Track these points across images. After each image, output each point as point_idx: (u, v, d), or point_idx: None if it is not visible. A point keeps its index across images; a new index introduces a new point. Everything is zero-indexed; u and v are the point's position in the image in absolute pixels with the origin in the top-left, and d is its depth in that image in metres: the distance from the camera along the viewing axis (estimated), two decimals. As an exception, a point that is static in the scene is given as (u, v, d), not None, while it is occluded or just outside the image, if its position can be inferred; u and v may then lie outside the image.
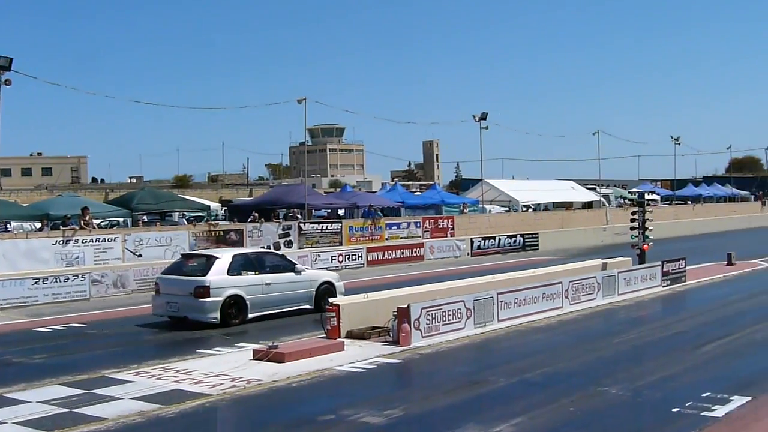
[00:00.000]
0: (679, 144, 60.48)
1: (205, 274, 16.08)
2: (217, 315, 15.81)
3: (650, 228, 23.73)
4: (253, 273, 16.68)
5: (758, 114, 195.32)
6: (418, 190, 70.42)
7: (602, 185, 57.59)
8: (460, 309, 14.87)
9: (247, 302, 16.33)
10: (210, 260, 16.42)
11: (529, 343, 14.28)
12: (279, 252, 19.30)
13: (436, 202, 42.22)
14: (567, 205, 49.75)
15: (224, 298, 15.99)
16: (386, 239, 32.51)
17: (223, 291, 16.04)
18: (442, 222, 37.50)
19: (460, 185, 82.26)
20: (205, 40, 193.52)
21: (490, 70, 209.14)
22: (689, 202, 64.62)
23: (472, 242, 35.36)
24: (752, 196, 74.83)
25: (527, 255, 36.05)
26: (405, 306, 13.92)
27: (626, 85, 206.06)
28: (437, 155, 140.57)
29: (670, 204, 63.74)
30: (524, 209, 46.66)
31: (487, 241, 36.07)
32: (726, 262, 27.30)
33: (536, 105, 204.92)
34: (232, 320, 16.03)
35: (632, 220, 23.98)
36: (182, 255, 18.60)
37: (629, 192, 31.15)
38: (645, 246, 23.68)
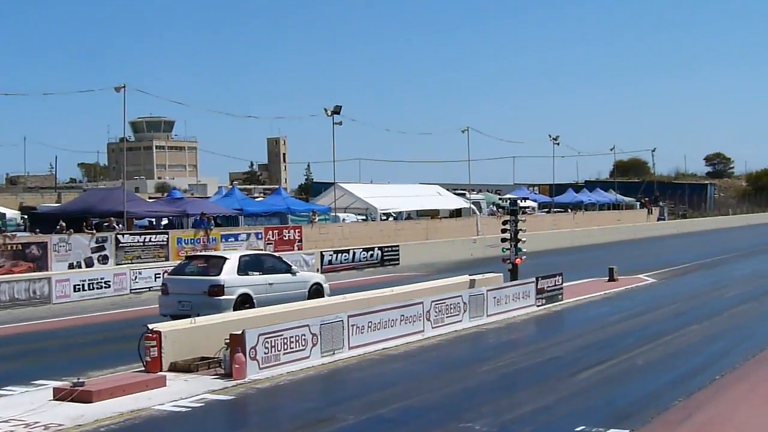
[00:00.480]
0: (558, 144, 63.57)
1: (218, 274, 19.54)
2: (231, 312, 17.98)
3: (523, 239, 24.59)
4: (258, 273, 20.33)
5: (644, 113, 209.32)
6: (261, 195, 69.99)
7: (473, 190, 59.30)
8: (304, 335, 14.76)
9: (254, 301, 19.57)
10: (221, 260, 20.14)
11: (384, 374, 14.37)
12: (276, 254, 22.25)
13: (281, 210, 42.07)
14: (432, 214, 50.94)
15: (236, 296, 19.37)
16: (221, 253, 32.51)
17: (235, 290, 19.51)
18: (288, 233, 37.37)
19: (311, 190, 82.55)
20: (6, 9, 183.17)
21: (345, 58, 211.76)
22: (570, 209, 68.02)
23: (322, 256, 35.50)
24: (638, 202, 79.87)
25: (386, 271, 36.52)
26: (239, 332, 13.72)
27: (501, 80, 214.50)
28: (284, 155, 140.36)
29: (548, 212, 66.83)
30: (383, 218, 47.32)
31: (339, 255, 36.28)
32: (607, 278, 28.80)
33: (398, 99, 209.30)
34: None
35: (503, 231, 24.77)
36: (187, 257, 22.73)
37: (500, 198, 32.23)
38: (517, 260, 24.51)
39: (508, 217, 24.78)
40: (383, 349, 16.30)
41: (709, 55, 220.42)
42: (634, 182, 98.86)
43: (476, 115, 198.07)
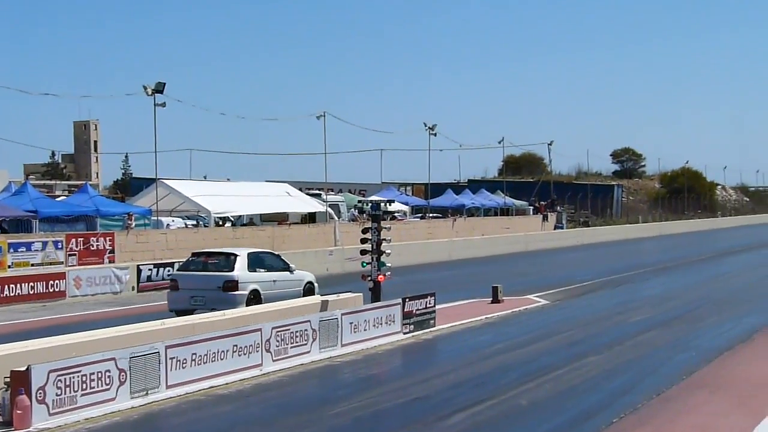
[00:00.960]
0: (435, 135, 64.59)
1: (231, 270, 25.17)
2: (245, 307, 23.49)
3: (387, 252, 24.82)
4: (264, 270, 26.07)
5: (539, 100, 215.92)
6: (65, 193, 68.17)
7: (330, 190, 59.51)
8: (109, 371, 14.47)
9: (262, 297, 24.98)
10: (232, 257, 25.67)
11: (209, 419, 14.27)
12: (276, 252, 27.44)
13: (88, 212, 41.16)
14: (280, 218, 50.85)
15: (248, 292, 24.98)
16: (9, 267, 32.33)
17: (247, 285, 25.12)
18: (96, 241, 36.58)
19: (130, 187, 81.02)
20: None
21: (169, 25, 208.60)
22: (449, 214, 69.29)
23: (139, 271, 35.05)
24: (531, 207, 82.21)
25: (222, 290, 36.37)
26: (23, 369, 13.36)
27: (367, 59, 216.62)
28: (95, 143, 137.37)
29: (422, 217, 67.88)
30: (219, 223, 46.88)
31: (161, 269, 35.78)
32: (491, 299, 29.44)
33: (238, 78, 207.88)
34: None
35: (363, 241, 24.96)
36: (193, 253, 27.72)
37: (360, 201, 32.45)
38: (380, 277, 24.73)
39: (370, 224, 24.95)
40: (211, 387, 16.16)
41: (612, 34, 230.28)
42: (526, 182, 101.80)
43: (336, 100, 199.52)
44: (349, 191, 70.53)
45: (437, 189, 79.00)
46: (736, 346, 20.98)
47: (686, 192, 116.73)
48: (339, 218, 52.71)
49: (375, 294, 24.63)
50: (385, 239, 25.06)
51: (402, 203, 66.84)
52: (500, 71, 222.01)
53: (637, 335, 22.93)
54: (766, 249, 61.53)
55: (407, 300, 23.02)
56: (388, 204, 26.71)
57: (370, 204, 25.84)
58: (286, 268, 27.25)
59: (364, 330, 21.22)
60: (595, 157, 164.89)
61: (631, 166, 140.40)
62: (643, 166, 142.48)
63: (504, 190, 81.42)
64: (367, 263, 25.05)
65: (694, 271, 44.11)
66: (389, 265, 25.54)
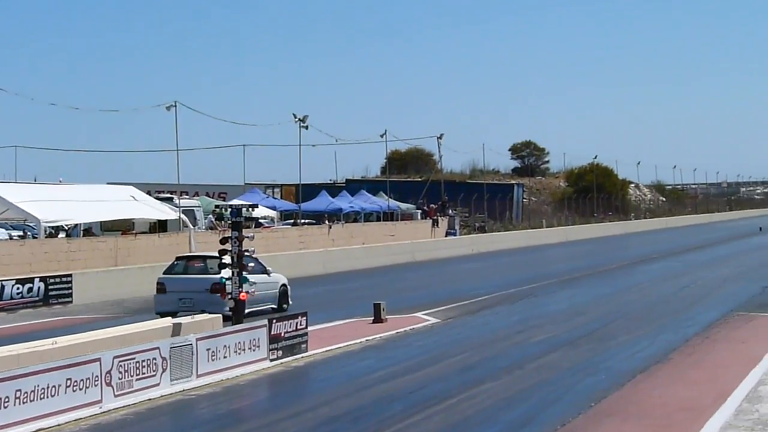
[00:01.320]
0: (307, 128, 64.52)
1: (218, 272, 28.35)
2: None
3: (250, 265, 24.73)
4: (246, 273, 26.81)
5: (427, 88, 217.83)
6: None
7: (185, 194, 58.93)
8: None
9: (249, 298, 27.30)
10: (218, 260, 28.31)
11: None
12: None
13: None
14: (125, 227, 50.13)
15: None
16: None
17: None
18: None
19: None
20: None
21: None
22: (326, 220, 69.31)
23: (-48, 292, 34.06)
24: (419, 210, 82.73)
25: (53, 312, 35.84)
26: None
27: (223, 38, 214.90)
28: None
29: (293, 224, 67.73)
30: (51, 233, 45.97)
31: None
32: (372, 318, 29.55)
33: (70, 61, 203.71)
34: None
35: (222, 253, 24.79)
36: (179, 257, 33.02)
37: (218, 206, 32.27)
38: (242, 295, 24.60)
39: (230, 233, 24.81)
40: (39, 430, 15.86)
41: (508, 12, 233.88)
42: (414, 182, 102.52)
43: (190, 89, 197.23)
44: (207, 194, 69.96)
45: (310, 191, 78.86)
46: (651, 367, 21.49)
47: (595, 191, 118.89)
48: (194, 226, 52.15)
49: (236, 315, 24.47)
50: (247, 251, 24.93)
51: (269, 208, 66.61)
52: (381, 55, 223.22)
53: (539, 357, 23.30)
54: (685, 256, 63.18)
55: (274, 321, 22.94)
56: (251, 209, 26.50)
57: (230, 209, 25.66)
58: (264, 270, 31.86)
59: (224, 357, 21.06)
60: (492, 153, 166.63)
61: (533, 163, 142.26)
62: (547, 162, 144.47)
63: (388, 191, 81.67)
64: (227, 279, 24.86)
65: (604, 281, 45.02)
66: (253, 281, 25.37)
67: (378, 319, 29.40)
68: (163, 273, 32.48)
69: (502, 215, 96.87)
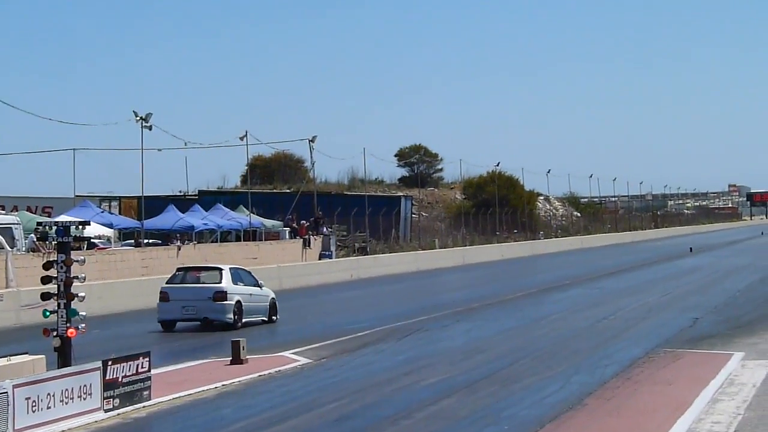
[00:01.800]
0: (150, 128, 64.00)
1: (219, 282, 38.89)
2: (232, 316, 38.29)
3: (81, 295, 24.39)
4: (242, 284, 39.65)
5: (299, 86, 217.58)
6: None
7: (2, 208, 58.13)
8: None
9: (244, 308, 38.98)
10: (218, 271, 40.06)
11: None
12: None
13: None
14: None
15: (234, 302, 38.58)
16: None
17: (233, 296, 38.70)
18: None
19: None
20: None
21: None
22: (175, 240, 68.77)
23: None
24: (287, 228, 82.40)
25: None
26: None
27: (46, 26, 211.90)
28: None
29: (136, 245, 66.98)
30: None
31: None
32: (230, 359, 29.43)
33: None
34: (236, 323, 38.52)
35: (46, 280, 24.41)
36: (180, 268, 42.28)
37: (41, 223, 31.75)
38: (71, 331, 24.22)
39: (56, 256, 24.45)
40: None
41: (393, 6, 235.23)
42: (281, 194, 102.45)
43: (7, 83, 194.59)
44: (28, 209, 69.00)
45: (155, 204, 78.37)
46: (562, 415, 21.68)
47: (498, 205, 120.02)
48: (12, 248, 51.41)
49: (63, 356, 24.09)
50: (77, 277, 24.58)
51: (104, 225, 65.80)
52: (242, 43, 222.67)
53: (430, 404, 23.37)
54: (603, 282, 64.12)
55: (110, 363, 22.67)
56: (82, 227, 26.12)
57: (56, 227, 25.27)
58: (256, 283, 41.23)
59: (48, 408, 20.72)
60: (375, 160, 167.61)
61: (424, 171, 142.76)
62: (440, 170, 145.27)
63: (249, 205, 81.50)
64: (51, 312, 24.51)
65: (508, 313, 45.48)
66: (84, 314, 25.04)
67: (237, 360, 29.25)
68: (166, 283, 40.87)
69: (388, 233, 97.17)
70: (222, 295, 38.87)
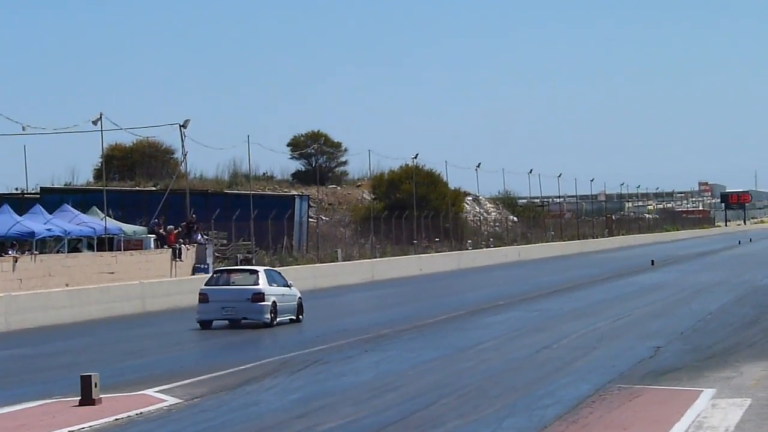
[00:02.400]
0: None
1: (256, 284, 50.74)
2: (269, 316, 50.24)
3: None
4: (276, 285, 51.62)
5: (159, 63, 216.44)
6: None
7: None
8: None
9: (278, 308, 50.96)
10: (254, 273, 52.83)
11: None
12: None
13: None
14: None
15: (270, 303, 50.46)
16: None
17: (270, 297, 50.64)
18: None
19: None
20: None
21: None
22: (13, 248, 68.17)
23: None
24: (152, 235, 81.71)
25: None
26: None
27: None
28: None
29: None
30: None
31: None
32: (79, 398, 29.21)
33: None
34: (272, 322, 50.52)
35: None
36: (218, 270, 58.10)
37: None
38: None
39: None
40: None
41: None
42: (145, 192, 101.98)
43: None
44: None
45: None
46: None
47: (415, 207, 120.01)
48: None
49: None
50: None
51: None
52: (100, 8, 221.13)
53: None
54: (545, 302, 64.58)
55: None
56: None
57: None
58: (286, 284, 52.51)
59: None
60: (263, 150, 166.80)
61: (325, 165, 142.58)
62: (344, 163, 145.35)
63: (105, 206, 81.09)
64: None
65: (427, 341, 45.66)
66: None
67: (87, 400, 29.01)
68: (205, 284, 52.93)
69: (278, 242, 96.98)
70: (260, 296, 50.20)
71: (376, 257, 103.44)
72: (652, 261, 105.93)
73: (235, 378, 34.96)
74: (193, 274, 77.74)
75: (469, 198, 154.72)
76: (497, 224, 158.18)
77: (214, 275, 54.69)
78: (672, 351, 39.53)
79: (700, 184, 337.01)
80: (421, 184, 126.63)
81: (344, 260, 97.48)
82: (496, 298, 67.04)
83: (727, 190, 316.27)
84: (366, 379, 34.61)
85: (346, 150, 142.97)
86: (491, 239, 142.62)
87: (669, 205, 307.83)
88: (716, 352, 39.00)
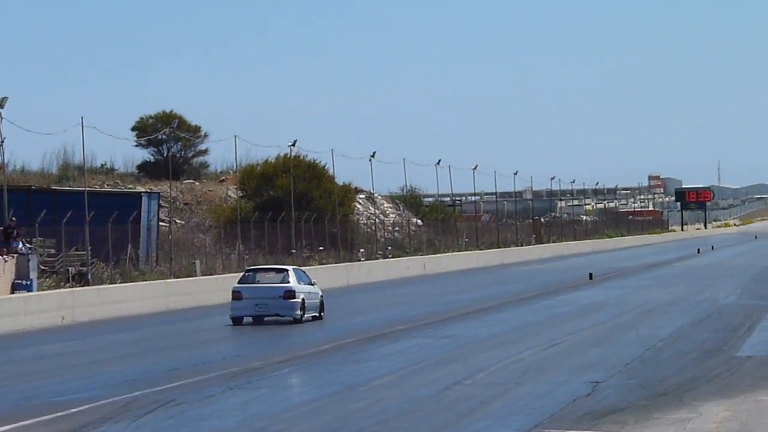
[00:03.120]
0: None
1: (287, 282, 71.17)
2: (300, 312, 70.16)
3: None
4: (303, 284, 72.58)
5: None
6: None
7: None
8: None
9: (306, 305, 71.69)
10: (284, 272, 73.89)
11: None
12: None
13: None
14: None
15: (300, 300, 70.88)
16: None
17: (300, 294, 71.11)
18: None
19: None
20: None
21: None
22: None
23: None
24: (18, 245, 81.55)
25: None
26: None
27: None
28: None
29: None
30: None
31: None
32: None
33: None
34: (302, 318, 70.96)
35: None
36: (250, 269, 79.34)
37: None
38: None
39: None
40: None
41: None
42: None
43: None
44: None
45: None
46: None
47: (294, 208, 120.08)
48: None
49: None
50: None
51: None
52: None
53: None
54: (456, 326, 65.06)
55: None
56: None
57: None
58: (310, 282, 69.35)
59: None
60: (101, 136, 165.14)
61: (180, 154, 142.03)
62: (205, 152, 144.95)
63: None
64: None
65: (308, 375, 46.26)
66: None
67: None
68: (238, 283, 69.27)
69: (121, 251, 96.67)
70: (291, 293, 67.00)
71: (240, 271, 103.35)
72: (591, 274, 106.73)
73: (64, 424, 34.71)
74: (12, 291, 77.16)
75: (362, 196, 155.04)
76: (397, 229, 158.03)
77: (247, 274, 72.02)
78: (614, 387, 39.77)
79: (650, 178, 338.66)
80: (301, 179, 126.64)
81: (204, 274, 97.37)
82: (394, 321, 67.48)
83: (683, 186, 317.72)
84: (230, 425, 34.50)
85: (206, 135, 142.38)
86: (389, 248, 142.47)
87: (611, 205, 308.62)
88: (669, 388, 39.27)
